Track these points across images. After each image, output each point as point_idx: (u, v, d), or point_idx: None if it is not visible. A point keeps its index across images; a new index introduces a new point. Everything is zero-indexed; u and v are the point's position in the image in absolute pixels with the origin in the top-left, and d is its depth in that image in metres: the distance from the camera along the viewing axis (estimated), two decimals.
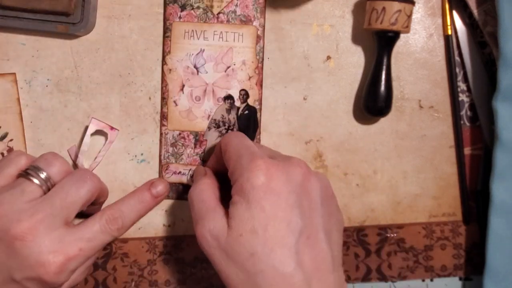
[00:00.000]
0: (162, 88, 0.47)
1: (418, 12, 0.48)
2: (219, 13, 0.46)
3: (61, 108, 0.47)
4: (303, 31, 0.47)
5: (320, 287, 0.35)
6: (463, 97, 0.48)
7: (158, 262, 0.48)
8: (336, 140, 0.48)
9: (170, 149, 0.47)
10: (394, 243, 0.48)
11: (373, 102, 0.45)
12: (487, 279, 0.44)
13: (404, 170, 0.48)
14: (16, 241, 0.37)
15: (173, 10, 0.46)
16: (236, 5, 0.46)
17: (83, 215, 0.42)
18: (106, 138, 0.47)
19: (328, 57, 0.48)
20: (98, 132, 0.47)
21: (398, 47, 0.47)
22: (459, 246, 0.48)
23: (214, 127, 0.47)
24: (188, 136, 0.47)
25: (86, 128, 0.47)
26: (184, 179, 0.47)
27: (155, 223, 0.48)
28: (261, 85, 0.47)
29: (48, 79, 0.47)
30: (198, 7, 0.46)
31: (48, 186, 0.40)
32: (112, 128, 0.47)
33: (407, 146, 0.48)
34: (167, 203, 0.48)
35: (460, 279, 0.48)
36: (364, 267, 0.48)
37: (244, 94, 0.47)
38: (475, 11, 0.46)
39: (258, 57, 0.47)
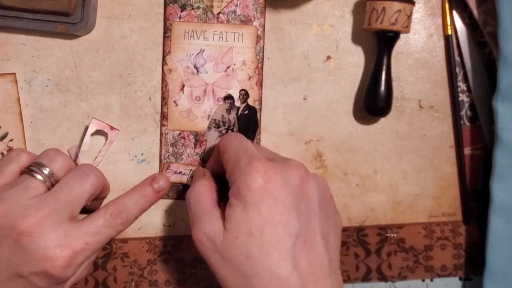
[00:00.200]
0: (162, 88, 0.47)
1: (418, 12, 0.48)
2: (219, 13, 0.46)
3: (61, 108, 0.47)
4: (303, 31, 0.47)
5: None
6: (463, 97, 0.48)
7: (158, 262, 0.48)
8: (336, 140, 0.48)
9: (170, 149, 0.47)
10: (394, 243, 0.48)
11: (373, 102, 0.45)
12: (487, 279, 0.44)
13: (404, 170, 0.48)
14: (23, 237, 0.37)
15: (173, 10, 0.46)
16: (236, 5, 0.46)
17: (85, 210, 0.43)
18: (106, 138, 0.47)
19: (328, 57, 0.48)
20: (98, 132, 0.47)
21: (398, 47, 0.47)
22: (459, 246, 0.48)
23: (214, 127, 0.47)
24: (188, 136, 0.47)
25: (86, 128, 0.47)
26: (185, 179, 0.47)
27: (155, 223, 0.48)
28: (261, 85, 0.47)
29: (48, 79, 0.47)
30: (198, 7, 0.46)
31: (52, 182, 0.40)
32: (112, 128, 0.47)
33: (407, 146, 0.48)
34: (167, 203, 0.48)
35: (460, 279, 0.48)
36: (364, 267, 0.48)
37: (244, 94, 0.47)
38: (475, 11, 0.46)
39: (258, 57, 0.47)
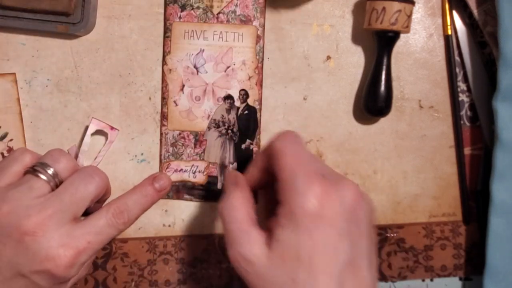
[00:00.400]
0: (162, 88, 0.47)
1: (418, 12, 0.48)
2: (219, 13, 0.46)
3: (61, 108, 0.47)
4: (303, 31, 0.47)
5: None
6: (463, 97, 0.48)
7: (158, 262, 0.48)
8: (336, 140, 0.48)
9: (170, 149, 0.47)
10: (394, 243, 0.48)
11: (373, 102, 0.45)
12: (487, 279, 0.44)
13: (404, 170, 0.48)
14: (26, 237, 0.37)
15: (173, 10, 0.47)
16: (236, 5, 0.46)
17: (85, 212, 0.43)
18: (106, 138, 0.47)
19: (328, 57, 0.48)
20: (98, 132, 0.47)
21: (398, 47, 0.47)
22: (459, 246, 0.48)
23: (214, 127, 0.47)
24: (188, 136, 0.47)
25: (86, 128, 0.47)
26: (186, 176, 0.47)
27: (155, 223, 0.48)
28: (261, 85, 0.47)
29: (48, 79, 0.47)
30: (198, 7, 0.46)
31: (56, 182, 0.40)
32: (112, 128, 0.47)
33: (407, 146, 0.48)
34: (167, 203, 0.48)
35: (460, 279, 0.48)
36: None
37: (244, 94, 0.47)
38: (475, 11, 0.46)
39: (258, 57, 0.47)
